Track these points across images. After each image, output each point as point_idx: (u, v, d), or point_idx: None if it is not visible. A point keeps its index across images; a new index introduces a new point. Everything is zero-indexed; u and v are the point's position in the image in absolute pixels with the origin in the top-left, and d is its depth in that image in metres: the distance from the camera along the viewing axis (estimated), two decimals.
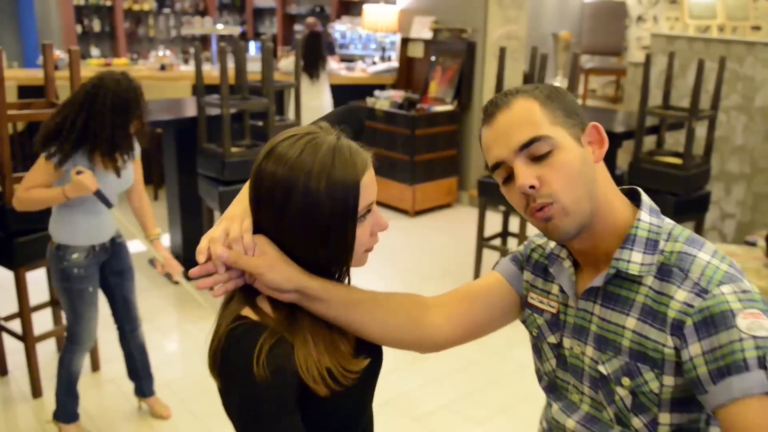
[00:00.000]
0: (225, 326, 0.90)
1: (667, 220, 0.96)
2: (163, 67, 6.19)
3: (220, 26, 7.98)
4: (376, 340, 1.00)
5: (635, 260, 0.91)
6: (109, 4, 7.86)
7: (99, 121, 2.24)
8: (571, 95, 0.96)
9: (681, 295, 0.86)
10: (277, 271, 0.89)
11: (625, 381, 0.91)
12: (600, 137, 0.95)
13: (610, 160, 4.45)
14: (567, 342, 1.00)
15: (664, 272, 0.90)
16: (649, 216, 0.94)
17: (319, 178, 0.87)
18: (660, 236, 0.92)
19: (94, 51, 7.80)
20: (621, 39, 7.33)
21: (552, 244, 1.05)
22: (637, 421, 0.91)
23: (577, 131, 0.93)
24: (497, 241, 4.33)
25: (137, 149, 2.49)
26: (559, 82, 7.40)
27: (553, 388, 1.06)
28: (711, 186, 4.31)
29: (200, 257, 0.90)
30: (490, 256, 4.39)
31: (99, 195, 2.30)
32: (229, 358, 0.88)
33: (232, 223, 0.91)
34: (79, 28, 7.73)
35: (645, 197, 0.97)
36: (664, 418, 0.89)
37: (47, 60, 2.85)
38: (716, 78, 3.80)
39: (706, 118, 3.80)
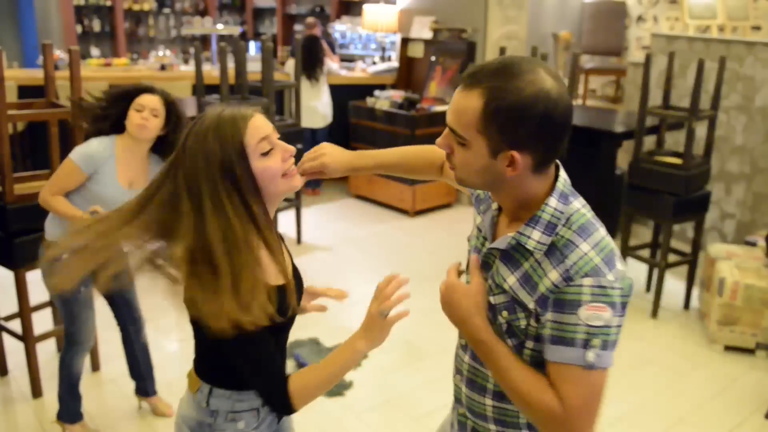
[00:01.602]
0: None
1: (575, 203, 1.14)
2: (163, 67, 6.19)
3: (220, 26, 7.99)
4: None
5: (534, 238, 1.12)
6: (109, 4, 7.87)
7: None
8: (539, 113, 1.03)
9: (553, 275, 1.08)
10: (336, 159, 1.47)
11: (504, 314, 1.16)
12: (513, 163, 1.08)
13: (610, 160, 4.45)
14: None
15: (551, 251, 1.11)
16: (556, 201, 1.12)
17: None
18: (560, 221, 1.11)
19: (94, 51, 7.80)
20: (621, 39, 7.33)
21: None
22: (509, 342, 1.17)
23: (500, 147, 1.07)
24: None
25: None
26: None
27: None
28: (711, 186, 4.31)
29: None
30: None
31: None
32: None
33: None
34: (79, 28, 7.73)
35: (560, 183, 1.14)
36: (529, 344, 1.15)
37: (47, 60, 2.85)
38: (716, 78, 3.80)
39: (706, 118, 3.80)
